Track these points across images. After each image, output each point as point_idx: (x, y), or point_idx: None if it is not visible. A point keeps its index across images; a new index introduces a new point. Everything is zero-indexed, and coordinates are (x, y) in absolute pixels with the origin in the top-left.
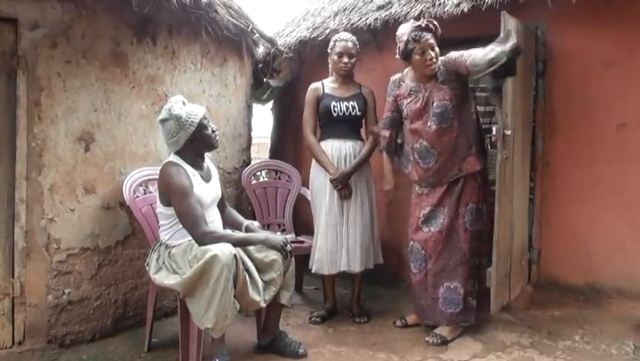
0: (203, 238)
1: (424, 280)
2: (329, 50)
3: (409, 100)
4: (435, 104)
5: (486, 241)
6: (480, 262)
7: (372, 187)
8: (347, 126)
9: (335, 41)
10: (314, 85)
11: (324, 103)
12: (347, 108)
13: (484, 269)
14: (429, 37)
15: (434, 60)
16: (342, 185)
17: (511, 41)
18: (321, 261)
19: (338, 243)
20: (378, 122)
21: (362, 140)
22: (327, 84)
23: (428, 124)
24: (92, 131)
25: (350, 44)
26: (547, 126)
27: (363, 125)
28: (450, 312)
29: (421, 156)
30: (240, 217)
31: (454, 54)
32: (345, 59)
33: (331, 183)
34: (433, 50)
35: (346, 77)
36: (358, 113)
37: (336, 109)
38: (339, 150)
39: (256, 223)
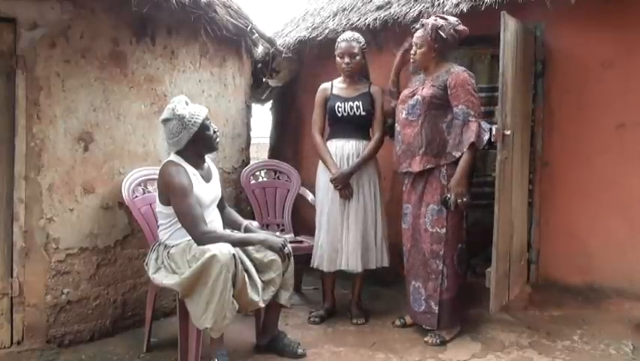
0: (201, 237)
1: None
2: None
3: (409, 85)
4: (415, 97)
5: (450, 243)
6: (446, 267)
7: (377, 188)
8: (351, 126)
9: (338, 42)
10: (323, 85)
11: (330, 104)
12: (351, 108)
13: (454, 277)
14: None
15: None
16: (342, 185)
17: None
18: (322, 258)
19: (338, 242)
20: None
21: (368, 139)
22: (336, 84)
23: (403, 111)
24: (91, 131)
25: (353, 44)
26: (546, 126)
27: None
28: (415, 311)
29: (396, 139)
30: (239, 217)
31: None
32: (347, 60)
33: (331, 183)
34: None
35: (352, 77)
36: (363, 113)
37: (339, 109)
38: (342, 150)
39: (255, 223)
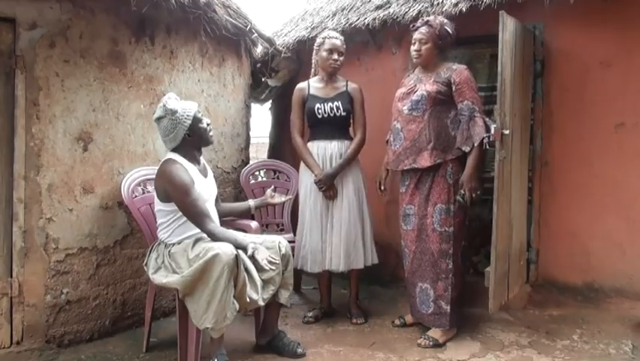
0: (211, 232)
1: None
2: (316, 48)
3: (403, 84)
4: (417, 92)
5: (457, 241)
6: (454, 265)
7: (361, 187)
8: (332, 127)
9: (324, 38)
10: (299, 85)
11: (308, 105)
12: (331, 109)
13: (459, 275)
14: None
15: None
16: (326, 186)
17: None
18: (305, 258)
19: (322, 242)
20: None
21: (350, 139)
22: (313, 84)
23: (405, 107)
24: (91, 131)
25: (339, 42)
26: (545, 126)
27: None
28: (423, 313)
29: (394, 138)
30: (237, 203)
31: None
32: (335, 56)
33: (316, 185)
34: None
35: (332, 75)
36: (343, 113)
37: (320, 111)
38: (324, 150)
39: (254, 223)
